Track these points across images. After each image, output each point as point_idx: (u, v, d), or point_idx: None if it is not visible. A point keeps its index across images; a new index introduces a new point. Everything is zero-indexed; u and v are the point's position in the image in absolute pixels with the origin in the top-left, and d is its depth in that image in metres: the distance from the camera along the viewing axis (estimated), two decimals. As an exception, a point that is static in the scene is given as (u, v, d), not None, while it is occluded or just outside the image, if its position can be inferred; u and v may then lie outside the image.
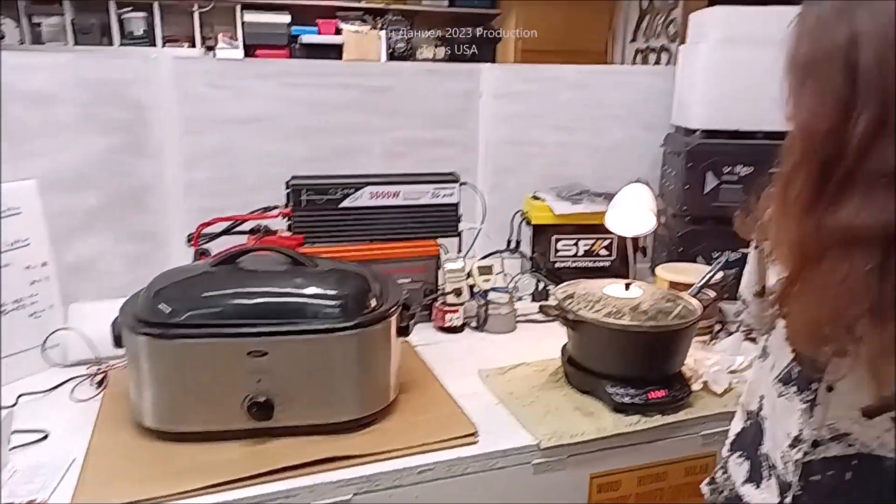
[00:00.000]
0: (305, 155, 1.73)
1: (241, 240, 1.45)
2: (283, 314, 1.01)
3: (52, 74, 1.44)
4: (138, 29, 3.74)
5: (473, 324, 1.51)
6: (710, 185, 1.66)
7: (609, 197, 1.75)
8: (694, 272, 1.46)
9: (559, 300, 1.20)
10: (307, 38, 3.50)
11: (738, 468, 0.88)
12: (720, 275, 1.35)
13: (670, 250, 1.75)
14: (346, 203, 1.46)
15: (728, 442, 0.93)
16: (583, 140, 1.98)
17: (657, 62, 3.23)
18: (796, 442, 0.77)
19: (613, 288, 1.23)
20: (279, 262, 1.13)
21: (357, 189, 1.46)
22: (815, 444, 0.76)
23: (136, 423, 1.03)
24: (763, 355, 0.87)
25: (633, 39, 3.48)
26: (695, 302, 1.20)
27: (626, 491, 1.11)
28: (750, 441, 0.87)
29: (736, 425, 0.93)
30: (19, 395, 1.12)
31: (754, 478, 0.85)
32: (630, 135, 2.00)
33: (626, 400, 1.11)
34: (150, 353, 0.99)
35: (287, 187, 1.47)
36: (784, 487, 0.79)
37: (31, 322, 1.23)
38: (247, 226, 1.46)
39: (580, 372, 1.18)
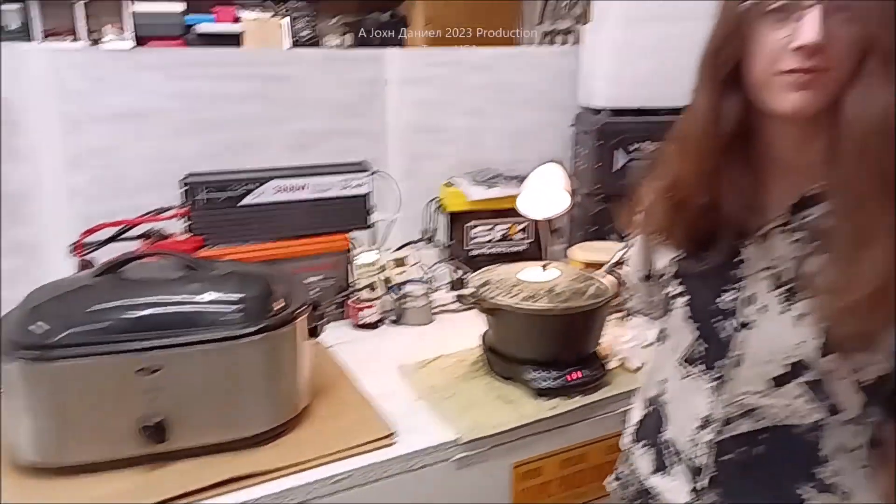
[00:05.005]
0: (199, 151, 1.61)
1: (133, 246, 1.34)
2: (178, 324, 0.92)
3: None
4: (13, 23, 3.42)
5: (391, 318, 1.46)
6: (620, 162, 1.69)
7: (523, 180, 1.75)
8: (607, 250, 1.47)
9: (475, 288, 1.17)
10: (203, 28, 3.30)
11: (643, 459, 0.86)
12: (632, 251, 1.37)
13: (585, 230, 1.77)
14: (248, 199, 1.38)
15: (629, 433, 0.92)
16: (494, 124, 1.96)
17: (564, 44, 3.26)
18: (706, 423, 0.76)
19: (530, 272, 1.22)
20: (171, 269, 1.04)
21: (260, 184, 1.37)
22: (726, 422, 0.75)
23: (11, 460, 0.92)
24: (661, 338, 0.86)
25: (540, 22, 3.50)
26: (608, 280, 1.21)
27: (549, 476, 1.10)
28: (652, 429, 0.85)
29: (635, 415, 0.91)
30: None
31: (660, 467, 0.83)
32: (540, 116, 2.00)
33: (547, 384, 1.09)
34: (27, 380, 0.88)
35: (182, 185, 1.37)
36: (694, 472, 0.78)
37: None
38: (139, 230, 1.35)
39: (500, 359, 1.16)
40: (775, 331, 0.70)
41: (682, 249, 0.78)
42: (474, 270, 1.67)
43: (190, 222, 1.35)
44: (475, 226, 1.71)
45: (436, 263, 1.72)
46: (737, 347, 0.74)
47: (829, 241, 0.66)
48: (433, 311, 1.49)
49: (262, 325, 0.95)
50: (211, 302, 0.96)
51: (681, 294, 0.79)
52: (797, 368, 0.70)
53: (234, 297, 0.97)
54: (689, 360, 0.79)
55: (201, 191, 1.34)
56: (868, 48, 0.60)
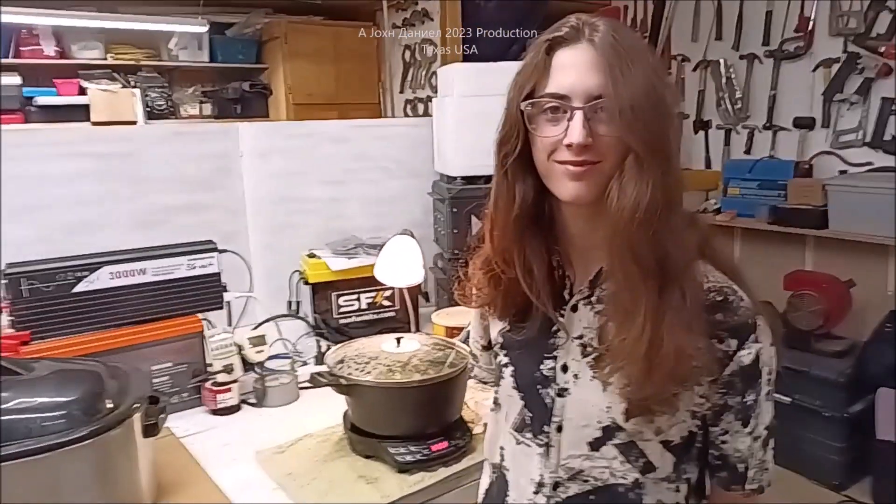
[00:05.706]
0: (32, 236, 1.48)
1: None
2: (-16, 439, 0.82)
3: None
4: None
5: (252, 399, 1.39)
6: (476, 228, 1.74)
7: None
8: (468, 315, 1.50)
9: (330, 366, 1.14)
10: (45, 100, 3.08)
11: None
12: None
13: (450, 293, 1.79)
14: (80, 287, 1.27)
15: (479, 501, 0.92)
16: (355, 193, 1.97)
17: (426, 112, 3.40)
18: (539, 487, 0.78)
19: (388, 344, 1.21)
20: (-19, 374, 0.92)
21: (91, 270, 1.27)
22: (556, 486, 0.77)
23: None
24: (496, 407, 0.88)
25: (402, 91, 3.63)
26: (466, 347, 1.22)
27: (418, 554, 1.07)
28: (498, 495, 0.86)
29: (484, 481, 0.92)
30: None
31: None
32: (401, 184, 2.04)
33: (409, 458, 1.07)
34: None
35: (2, 277, 1.24)
36: None
37: None
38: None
39: (362, 437, 1.13)
40: (587, 397, 0.74)
41: (505, 321, 0.81)
42: (343, 340, 1.64)
43: (12, 317, 1.22)
44: (341, 295, 1.69)
45: (301, 336, 1.67)
46: (557, 414, 0.76)
47: (608, 314, 0.71)
48: (301, 385, 1.43)
49: (87, 430, 0.86)
50: (26, 409, 0.86)
51: (507, 364, 0.82)
52: (609, 431, 0.73)
53: (54, 400, 0.87)
54: (519, 428, 0.81)
55: (23, 282, 1.22)
56: (627, 147, 0.67)
